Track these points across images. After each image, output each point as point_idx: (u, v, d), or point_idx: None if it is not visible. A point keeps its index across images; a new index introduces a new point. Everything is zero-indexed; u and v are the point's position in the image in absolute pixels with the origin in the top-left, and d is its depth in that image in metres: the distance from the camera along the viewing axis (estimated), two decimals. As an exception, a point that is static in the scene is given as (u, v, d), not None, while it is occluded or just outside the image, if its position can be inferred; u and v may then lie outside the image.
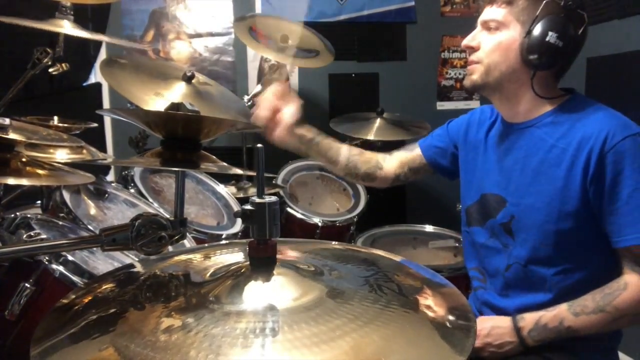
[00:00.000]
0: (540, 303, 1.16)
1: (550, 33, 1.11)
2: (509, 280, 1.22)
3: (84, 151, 1.38)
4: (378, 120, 2.53)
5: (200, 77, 1.88)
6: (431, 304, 0.68)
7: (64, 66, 1.50)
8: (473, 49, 1.22)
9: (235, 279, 0.68)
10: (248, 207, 0.68)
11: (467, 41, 1.23)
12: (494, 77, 1.19)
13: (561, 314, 1.11)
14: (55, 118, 1.60)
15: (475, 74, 1.22)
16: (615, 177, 1.07)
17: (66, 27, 1.32)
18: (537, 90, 1.17)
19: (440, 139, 1.47)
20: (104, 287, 0.73)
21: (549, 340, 1.13)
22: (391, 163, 1.51)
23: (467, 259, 1.38)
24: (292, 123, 1.32)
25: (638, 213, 1.06)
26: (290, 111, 1.32)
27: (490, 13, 1.19)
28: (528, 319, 1.14)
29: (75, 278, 1.02)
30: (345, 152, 1.47)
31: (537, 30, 1.12)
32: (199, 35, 2.74)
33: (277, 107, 1.31)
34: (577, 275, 1.14)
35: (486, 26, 1.20)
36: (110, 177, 2.27)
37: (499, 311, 1.24)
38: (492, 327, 1.17)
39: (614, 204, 1.07)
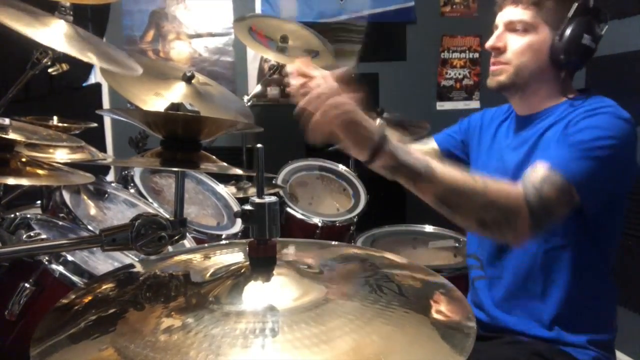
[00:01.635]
0: (532, 292, 1.17)
1: (585, 35, 1.13)
2: (501, 262, 1.23)
3: (84, 151, 1.38)
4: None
5: (200, 77, 1.88)
6: (431, 304, 0.68)
7: (64, 66, 1.50)
8: (499, 50, 1.21)
9: (235, 279, 0.68)
10: (248, 207, 0.68)
11: (493, 42, 1.22)
12: (523, 78, 1.20)
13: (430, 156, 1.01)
14: (55, 118, 1.60)
15: (503, 75, 1.21)
16: (569, 127, 1.10)
17: (60, 37, 1.28)
18: (562, 87, 1.19)
19: (454, 131, 1.49)
20: (104, 287, 0.73)
21: (398, 164, 0.96)
22: None
23: (468, 246, 1.40)
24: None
25: (567, 148, 1.06)
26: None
27: (516, 14, 1.18)
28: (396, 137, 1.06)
29: (75, 278, 1.02)
30: None
31: (571, 32, 1.13)
32: (199, 36, 2.74)
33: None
34: (567, 254, 1.15)
35: (512, 27, 1.19)
36: (110, 177, 2.27)
37: (494, 300, 1.25)
38: (355, 111, 0.97)
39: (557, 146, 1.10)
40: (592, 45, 1.14)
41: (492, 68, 1.23)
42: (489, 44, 1.23)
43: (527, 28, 1.17)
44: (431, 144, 1.51)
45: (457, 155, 1.48)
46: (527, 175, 1.05)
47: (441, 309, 0.67)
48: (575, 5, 1.13)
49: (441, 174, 0.98)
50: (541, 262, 1.17)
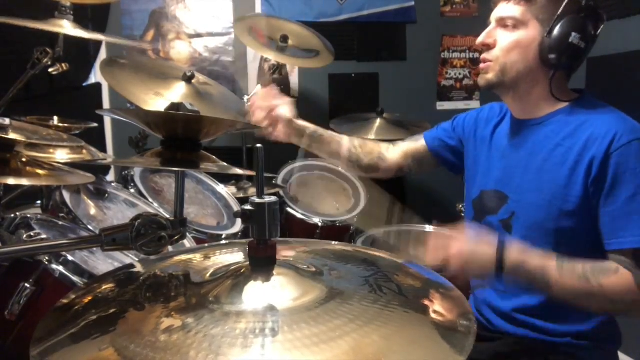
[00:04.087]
0: (538, 303, 1.15)
1: (573, 34, 1.09)
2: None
3: (84, 151, 1.38)
4: (378, 121, 2.53)
5: (200, 77, 1.88)
6: (431, 304, 0.68)
7: (64, 66, 1.50)
8: (489, 47, 1.18)
9: (235, 279, 0.68)
10: (248, 207, 0.68)
11: (483, 38, 1.19)
12: (511, 77, 1.16)
13: (548, 263, 1.06)
14: (55, 118, 1.60)
15: (491, 73, 1.18)
16: (616, 179, 1.05)
17: (66, 27, 1.32)
18: (552, 89, 1.15)
19: (445, 133, 1.46)
20: (104, 287, 0.73)
21: (520, 282, 1.08)
22: (395, 154, 1.51)
23: None
24: (290, 118, 1.38)
25: (635, 217, 1.03)
26: (284, 108, 1.38)
27: (508, 10, 1.16)
28: (514, 256, 1.07)
29: (75, 278, 1.02)
30: (347, 144, 1.48)
31: (560, 30, 1.10)
32: (199, 35, 2.74)
33: (271, 107, 1.38)
34: None
35: (502, 23, 1.17)
36: (110, 177, 2.27)
37: (497, 310, 1.24)
38: (473, 252, 1.09)
39: (611, 206, 1.06)
40: (581, 45, 1.10)
41: (481, 65, 1.21)
42: (479, 40, 1.20)
43: (517, 24, 1.14)
44: (421, 142, 1.48)
45: (448, 159, 1.45)
46: (626, 262, 1.05)
47: (440, 309, 0.67)
48: (566, 1, 1.10)
49: (558, 283, 1.05)
50: None
